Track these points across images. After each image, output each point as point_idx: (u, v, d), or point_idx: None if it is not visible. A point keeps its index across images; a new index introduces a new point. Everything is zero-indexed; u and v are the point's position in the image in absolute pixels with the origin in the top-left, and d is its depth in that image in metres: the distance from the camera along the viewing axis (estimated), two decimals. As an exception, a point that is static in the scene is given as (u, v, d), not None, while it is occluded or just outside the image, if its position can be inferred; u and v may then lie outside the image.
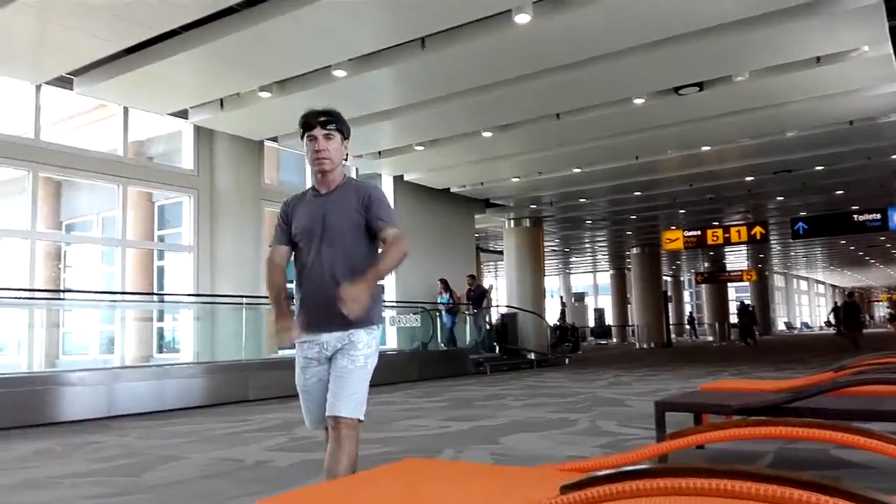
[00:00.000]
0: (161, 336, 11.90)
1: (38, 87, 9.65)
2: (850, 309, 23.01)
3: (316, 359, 2.77)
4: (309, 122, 2.81)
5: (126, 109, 10.71)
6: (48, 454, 5.56)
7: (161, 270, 13.81)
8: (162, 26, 7.91)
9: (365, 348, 2.74)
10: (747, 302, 30.73)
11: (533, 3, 7.52)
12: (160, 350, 11.68)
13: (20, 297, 9.39)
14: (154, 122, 11.69)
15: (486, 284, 15.16)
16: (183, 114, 11.02)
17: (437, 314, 14.82)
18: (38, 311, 9.44)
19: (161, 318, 11.84)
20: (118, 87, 9.51)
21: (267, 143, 12.51)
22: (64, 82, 9.64)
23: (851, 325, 22.48)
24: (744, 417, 4.31)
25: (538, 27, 7.83)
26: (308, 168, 3.32)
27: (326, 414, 2.66)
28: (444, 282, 15.25)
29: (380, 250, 2.83)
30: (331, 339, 2.73)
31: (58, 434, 6.63)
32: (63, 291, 13.55)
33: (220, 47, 8.22)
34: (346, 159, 2.90)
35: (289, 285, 2.93)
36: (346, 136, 2.85)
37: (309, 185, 3.11)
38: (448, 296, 15.23)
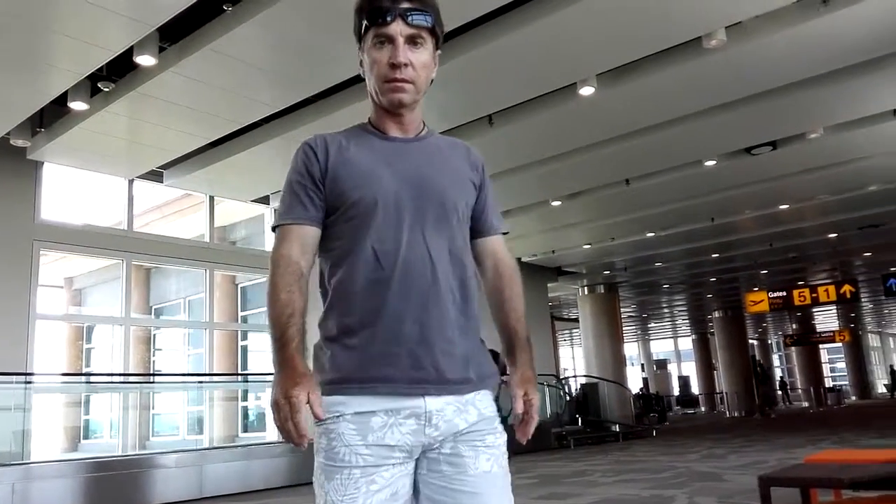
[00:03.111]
0: (245, 415, 12.11)
1: (131, 182, 10.30)
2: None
3: (402, 447, 1.41)
4: (382, 7, 1.47)
5: (211, 198, 11.29)
6: (142, 537, 5.66)
7: (244, 350, 14.18)
8: (243, 120, 8.39)
9: (502, 429, 1.56)
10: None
11: (597, 76, 7.64)
12: (244, 429, 11.87)
13: (114, 382, 9.82)
14: (236, 209, 12.26)
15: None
16: (265, 199, 11.52)
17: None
18: (132, 395, 9.82)
19: (245, 398, 12.08)
20: (204, 177, 10.08)
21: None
22: (154, 175, 10.29)
23: None
24: (857, 492, 4.04)
25: (603, 97, 7.92)
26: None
27: None
28: None
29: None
30: (442, 406, 1.44)
31: (150, 517, 6.76)
32: (153, 375, 14.05)
33: (297, 136, 8.60)
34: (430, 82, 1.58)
35: None
36: (439, 42, 1.56)
37: None
38: None
